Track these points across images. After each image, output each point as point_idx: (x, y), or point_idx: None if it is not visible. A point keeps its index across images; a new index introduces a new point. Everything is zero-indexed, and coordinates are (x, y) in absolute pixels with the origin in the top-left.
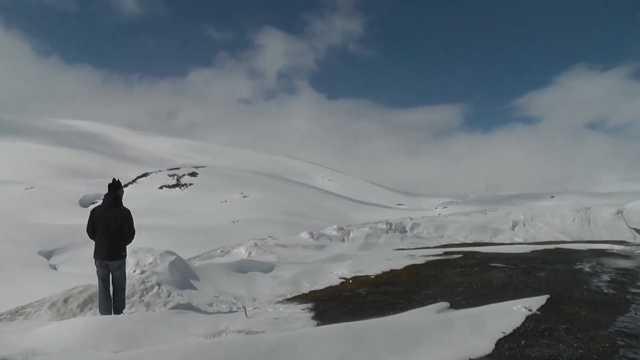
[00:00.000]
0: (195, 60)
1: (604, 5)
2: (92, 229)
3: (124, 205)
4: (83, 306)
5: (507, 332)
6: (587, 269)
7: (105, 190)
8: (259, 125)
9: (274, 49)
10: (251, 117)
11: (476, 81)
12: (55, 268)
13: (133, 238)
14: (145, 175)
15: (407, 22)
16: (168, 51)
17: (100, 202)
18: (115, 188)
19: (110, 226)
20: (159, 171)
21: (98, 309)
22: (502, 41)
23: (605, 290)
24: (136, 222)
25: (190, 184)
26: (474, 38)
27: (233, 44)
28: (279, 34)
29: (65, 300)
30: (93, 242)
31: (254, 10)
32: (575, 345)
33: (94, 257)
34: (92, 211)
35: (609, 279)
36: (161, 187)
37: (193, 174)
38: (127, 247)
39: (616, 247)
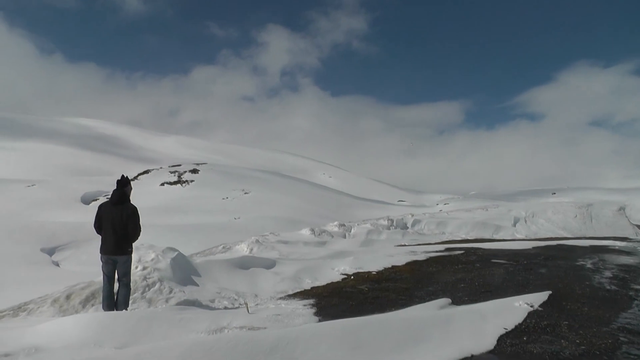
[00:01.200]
0: (198, 58)
1: (605, 1)
2: (99, 224)
3: (131, 202)
4: (85, 302)
5: (509, 328)
6: (589, 266)
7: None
8: (262, 123)
9: (278, 46)
10: (254, 114)
11: (478, 77)
12: (57, 265)
13: (139, 235)
14: (146, 172)
15: (411, 19)
16: (171, 49)
17: (102, 198)
18: (123, 184)
19: (116, 222)
20: (160, 168)
21: (101, 305)
22: (503, 38)
23: (608, 287)
24: None
25: (192, 181)
26: (475, 35)
27: (236, 41)
28: (283, 32)
29: (68, 297)
30: (96, 239)
31: (258, 8)
32: (577, 341)
33: (100, 252)
34: (99, 207)
35: (611, 276)
36: (162, 184)
37: (194, 171)
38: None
39: (618, 244)
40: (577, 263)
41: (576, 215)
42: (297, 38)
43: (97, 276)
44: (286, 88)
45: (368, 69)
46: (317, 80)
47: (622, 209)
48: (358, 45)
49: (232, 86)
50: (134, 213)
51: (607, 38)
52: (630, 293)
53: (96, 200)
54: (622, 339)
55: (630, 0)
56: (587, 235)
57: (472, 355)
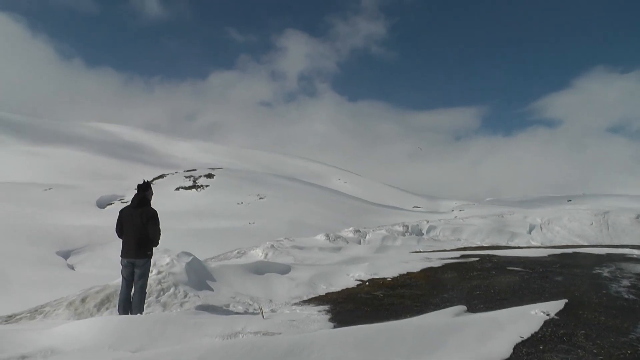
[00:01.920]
0: (216, 62)
1: (621, 6)
2: (120, 228)
3: (151, 206)
4: (100, 306)
5: (525, 337)
6: (606, 274)
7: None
8: (279, 128)
9: (296, 51)
10: (272, 119)
11: (495, 83)
12: (72, 268)
13: (159, 238)
14: (161, 176)
15: (430, 25)
16: (190, 54)
17: (117, 202)
18: (144, 189)
19: (136, 225)
20: (175, 173)
21: (116, 309)
22: (520, 43)
23: (626, 296)
24: None
25: (207, 186)
26: (493, 41)
27: (255, 46)
28: (301, 37)
29: (83, 300)
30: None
31: (277, 13)
32: (594, 351)
33: (121, 255)
34: (121, 211)
35: (629, 284)
36: (177, 189)
37: (209, 176)
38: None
39: (636, 252)
40: (594, 271)
41: (592, 223)
42: (316, 43)
43: (111, 280)
44: (304, 93)
45: (385, 74)
46: (335, 85)
47: (639, 216)
48: (376, 50)
49: (250, 91)
50: (153, 217)
51: (625, 43)
52: None
53: (111, 204)
54: None
55: None
56: (604, 243)
57: None
